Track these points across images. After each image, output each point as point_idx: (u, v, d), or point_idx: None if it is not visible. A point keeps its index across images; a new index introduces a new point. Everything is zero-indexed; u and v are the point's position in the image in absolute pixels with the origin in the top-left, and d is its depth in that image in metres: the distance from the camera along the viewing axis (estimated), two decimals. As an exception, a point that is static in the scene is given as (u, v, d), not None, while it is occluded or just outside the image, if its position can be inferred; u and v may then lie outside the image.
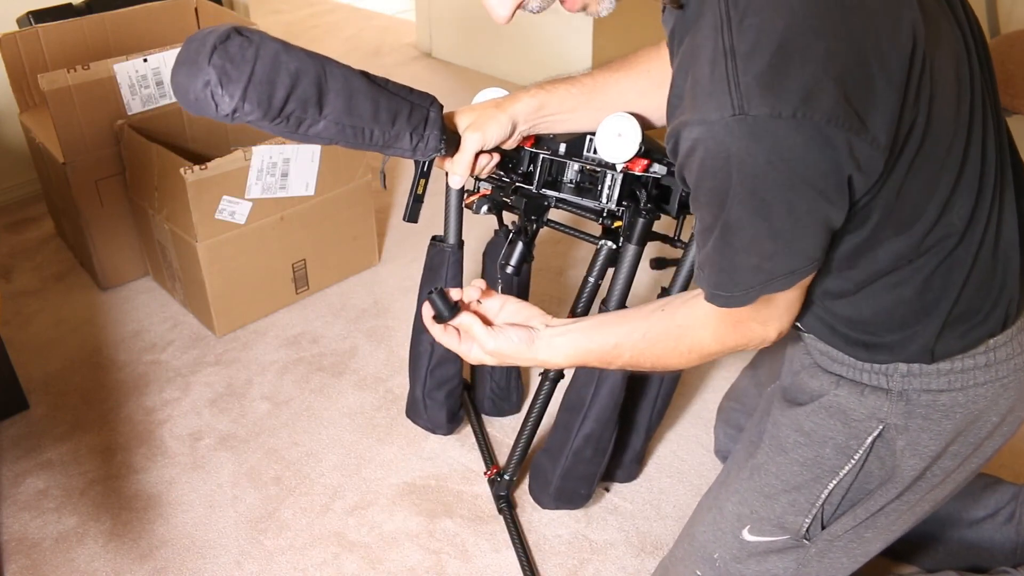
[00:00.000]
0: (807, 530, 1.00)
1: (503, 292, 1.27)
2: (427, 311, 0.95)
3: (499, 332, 0.92)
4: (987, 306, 0.86)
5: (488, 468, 1.52)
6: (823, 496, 0.98)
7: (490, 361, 0.94)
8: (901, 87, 0.69)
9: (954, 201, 0.79)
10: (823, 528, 1.00)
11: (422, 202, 1.08)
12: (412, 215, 1.07)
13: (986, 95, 0.81)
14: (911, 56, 0.69)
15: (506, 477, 1.44)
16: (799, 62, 0.65)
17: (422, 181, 1.07)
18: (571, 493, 1.39)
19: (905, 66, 0.69)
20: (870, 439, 0.93)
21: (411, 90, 0.93)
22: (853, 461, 0.95)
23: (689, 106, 0.70)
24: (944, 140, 0.75)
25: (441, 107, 0.96)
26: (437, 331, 0.95)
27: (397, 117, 0.90)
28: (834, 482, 0.97)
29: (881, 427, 0.93)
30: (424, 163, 1.06)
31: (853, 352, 0.93)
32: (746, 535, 1.03)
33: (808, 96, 0.65)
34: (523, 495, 1.48)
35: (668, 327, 0.90)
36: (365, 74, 0.89)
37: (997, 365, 0.89)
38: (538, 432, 1.43)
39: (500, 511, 1.45)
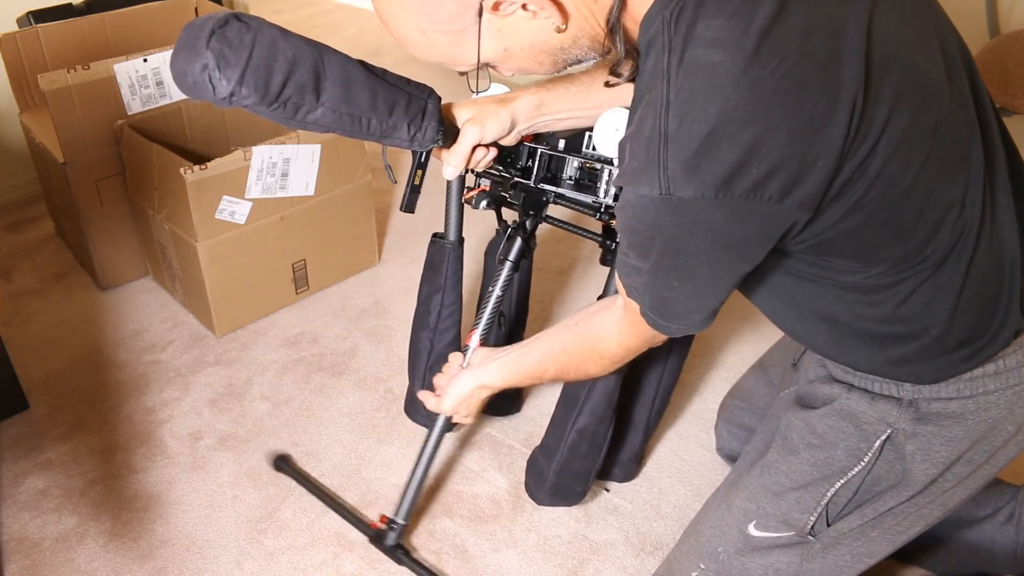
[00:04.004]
0: (812, 527, 1.00)
1: (502, 287, 1.27)
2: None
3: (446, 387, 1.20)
4: (994, 326, 0.86)
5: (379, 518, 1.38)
6: (829, 495, 0.98)
7: (455, 403, 1.19)
8: (834, 157, 0.70)
9: (923, 236, 0.79)
10: (828, 525, 1.00)
11: (419, 192, 1.09)
12: (409, 205, 1.08)
13: (970, 125, 0.80)
14: (847, 127, 0.69)
15: (400, 522, 1.35)
16: (725, 147, 0.67)
17: (419, 172, 1.08)
18: (567, 490, 1.39)
19: (841, 136, 0.69)
20: (878, 442, 0.94)
21: (409, 81, 0.93)
22: (862, 464, 0.95)
23: (627, 172, 0.74)
24: (900, 183, 0.75)
25: (439, 99, 0.96)
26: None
27: (395, 107, 0.90)
28: (841, 482, 0.97)
29: (890, 431, 0.93)
30: (421, 154, 1.07)
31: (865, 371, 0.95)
32: (752, 530, 1.04)
33: (730, 178, 0.68)
34: (520, 494, 1.48)
35: (582, 340, 1.03)
36: (363, 63, 0.89)
37: (1007, 373, 0.88)
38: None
39: (400, 561, 1.35)
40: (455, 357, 1.24)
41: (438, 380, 1.24)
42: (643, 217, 0.74)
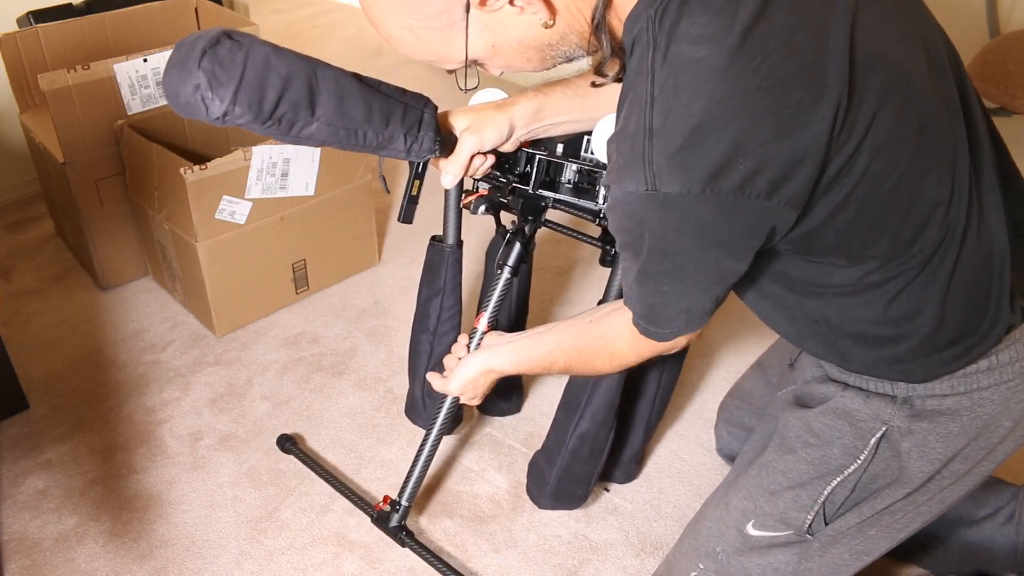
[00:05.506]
0: (810, 526, 1.00)
1: (501, 293, 1.27)
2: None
3: (455, 369, 1.17)
4: (985, 324, 0.87)
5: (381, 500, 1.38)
6: (826, 493, 0.98)
7: (463, 384, 1.17)
8: (820, 153, 0.70)
9: (909, 235, 0.79)
10: (826, 524, 1.00)
11: (417, 203, 1.08)
12: (407, 216, 1.08)
13: (956, 124, 0.81)
14: (833, 123, 0.69)
15: (404, 503, 1.35)
16: (711, 143, 0.67)
17: (416, 182, 1.07)
18: (568, 494, 1.39)
19: (827, 132, 0.69)
20: (874, 440, 0.94)
21: (404, 91, 0.93)
22: (859, 461, 0.96)
23: (614, 170, 0.74)
24: (886, 181, 0.75)
25: (435, 108, 0.96)
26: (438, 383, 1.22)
27: (390, 119, 0.90)
28: (837, 480, 0.97)
29: (884, 428, 0.93)
30: (418, 164, 1.06)
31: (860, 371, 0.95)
32: (750, 529, 1.04)
33: (716, 173, 0.68)
34: (520, 494, 1.48)
35: (593, 337, 1.02)
36: (357, 76, 0.89)
37: (1000, 368, 0.89)
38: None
39: (403, 543, 1.36)
40: (463, 338, 1.22)
41: (447, 361, 1.23)
42: (631, 214, 0.74)
